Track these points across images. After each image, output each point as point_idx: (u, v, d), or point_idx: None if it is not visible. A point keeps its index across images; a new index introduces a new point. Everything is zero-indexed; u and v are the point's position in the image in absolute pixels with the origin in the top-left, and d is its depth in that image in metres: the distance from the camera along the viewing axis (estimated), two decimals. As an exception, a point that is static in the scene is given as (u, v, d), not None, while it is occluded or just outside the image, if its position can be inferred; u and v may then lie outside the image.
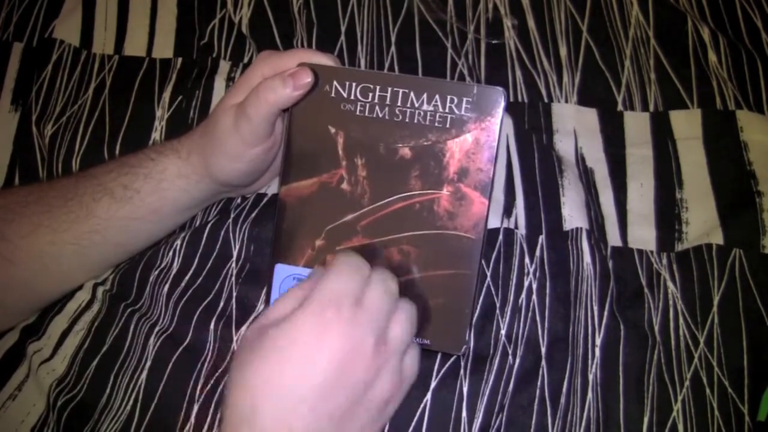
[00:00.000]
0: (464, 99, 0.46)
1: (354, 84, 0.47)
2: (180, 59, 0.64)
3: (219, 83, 0.62)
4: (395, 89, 0.47)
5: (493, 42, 0.63)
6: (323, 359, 0.39)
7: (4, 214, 0.51)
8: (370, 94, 0.47)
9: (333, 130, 0.48)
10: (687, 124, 0.59)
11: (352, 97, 0.47)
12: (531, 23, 0.63)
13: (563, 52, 0.62)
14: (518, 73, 0.61)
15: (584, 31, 0.63)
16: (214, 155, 0.50)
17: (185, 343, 0.50)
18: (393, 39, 0.63)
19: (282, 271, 0.49)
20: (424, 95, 0.46)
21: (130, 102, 0.62)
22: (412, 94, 0.46)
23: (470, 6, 0.65)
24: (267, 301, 0.49)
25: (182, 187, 0.51)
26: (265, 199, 0.55)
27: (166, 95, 0.62)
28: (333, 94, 0.47)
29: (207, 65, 0.63)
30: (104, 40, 0.66)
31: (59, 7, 0.68)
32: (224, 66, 0.63)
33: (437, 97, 0.46)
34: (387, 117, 0.47)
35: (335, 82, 0.47)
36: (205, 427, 0.48)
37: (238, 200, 0.56)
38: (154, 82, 0.63)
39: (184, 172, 0.51)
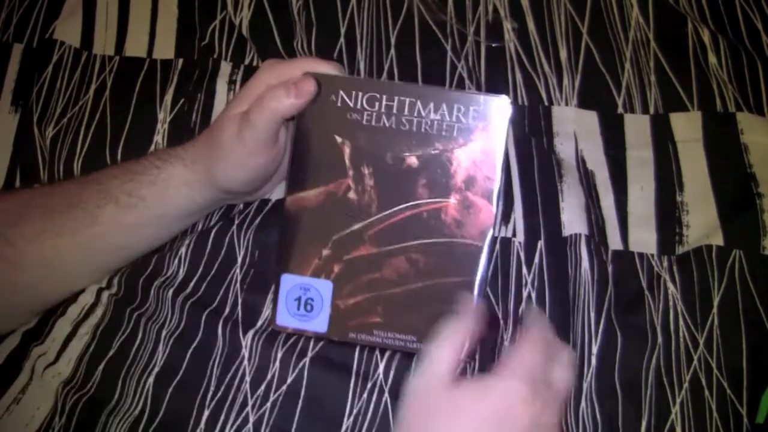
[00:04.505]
0: (471, 108, 0.47)
1: (360, 93, 0.47)
2: (181, 60, 0.64)
3: (221, 86, 0.62)
4: (402, 98, 0.47)
5: (493, 45, 0.63)
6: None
7: (8, 218, 0.51)
8: (377, 104, 0.47)
9: (339, 140, 0.48)
10: (687, 127, 0.59)
11: (359, 107, 0.47)
12: (531, 26, 0.63)
13: (563, 54, 0.62)
14: (518, 75, 0.62)
15: (584, 34, 0.63)
16: (217, 163, 0.50)
17: (194, 345, 0.50)
18: (393, 41, 0.63)
19: (288, 281, 0.49)
20: (431, 104, 0.47)
21: (132, 104, 0.62)
22: (418, 103, 0.47)
23: (470, 8, 0.65)
24: (273, 311, 0.49)
25: (187, 195, 0.52)
26: (269, 204, 0.55)
27: (168, 97, 0.62)
28: (339, 104, 0.47)
29: (208, 66, 0.63)
30: (105, 41, 0.66)
31: (60, 8, 0.67)
32: (225, 67, 0.63)
33: (444, 106, 0.47)
34: (394, 126, 0.47)
35: (341, 92, 0.47)
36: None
37: (241, 206, 0.56)
38: (155, 84, 0.63)
39: (189, 179, 0.51)
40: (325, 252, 0.48)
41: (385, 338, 0.49)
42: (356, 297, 0.48)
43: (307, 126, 0.48)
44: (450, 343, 0.43)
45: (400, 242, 0.48)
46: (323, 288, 0.49)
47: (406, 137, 0.47)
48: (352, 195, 0.48)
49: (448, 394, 0.41)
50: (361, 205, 0.48)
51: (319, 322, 0.49)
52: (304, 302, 0.49)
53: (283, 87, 0.47)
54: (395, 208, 0.48)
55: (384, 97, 0.47)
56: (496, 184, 0.47)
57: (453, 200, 0.48)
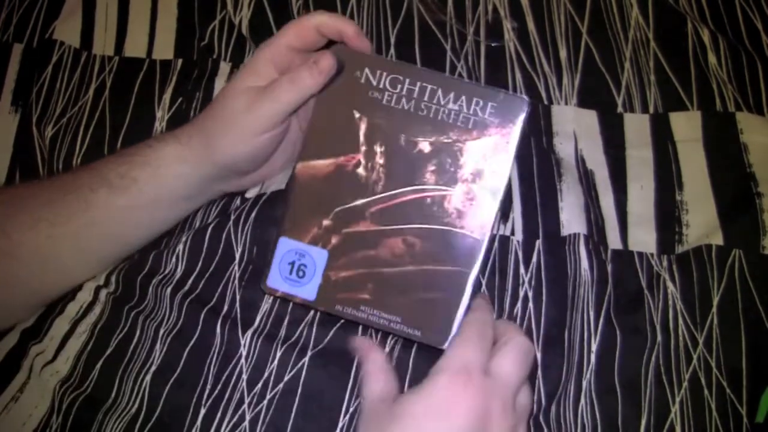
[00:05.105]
0: (489, 103, 0.48)
1: (385, 74, 0.48)
2: (180, 60, 0.64)
3: (219, 85, 0.62)
4: (424, 84, 0.48)
5: (493, 44, 0.63)
6: (455, 428, 0.41)
7: (5, 209, 0.51)
8: (399, 86, 0.48)
9: (357, 115, 0.49)
10: (687, 126, 0.59)
11: (381, 86, 0.48)
12: (531, 25, 0.63)
13: (563, 54, 0.62)
14: (518, 75, 0.61)
15: (584, 33, 0.63)
16: (221, 136, 0.50)
17: (192, 343, 0.50)
18: (392, 41, 0.63)
19: (285, 245, 0.50)
20: (451, 94, 0.48)
21: (131, 103, 0.62)
22: (439, 91, 0.48)
23: (470, 8, 0.65)
24: (266, 272, 0.50)
25: (180, 172, 0.51)
26: (265, 197, 0.55)
27: (167, 97, 0.62)
28: (362, 81, 0.49)
29: (207, 67, 0.63)
30: (104, 41, 0.66)
31: (59, 8, 0.68)
32: (224, 67, 0.63)
33: (463, 97, 0.48)
34: (412, 110, 0.48)
35: (366, 70, 0.49)
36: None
37: (238, 202, 0.56)
38: (154, 84, 0.63)
39: (183, 155, 0.51)
40: (326, 222, 0.49)
41: (371, 315, 0.49)
42: (349, 271, 0.49)
43: (328, 97, 0.49)
44: (372, 376, 0.46)
45: (399, 223, 0.49)
46: (318, 256, 0.49)
47: (422, 122, 0.48)
48: (361, 171, 0.49)
49: (387, 410, 0.43)
50: (368, 182, 0.49)
51: (308, 290, 0.50)
52: (297, 267, 0.50)
53: (305, 67, 0.48)
54: (400, 190, 0.49)
55: (407, 80, 0.48)
56: (503, 181, 0.48)
57: (458, 190, 0.48)
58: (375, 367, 0.47)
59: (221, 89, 0.52)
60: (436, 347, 0.49)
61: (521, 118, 0.48)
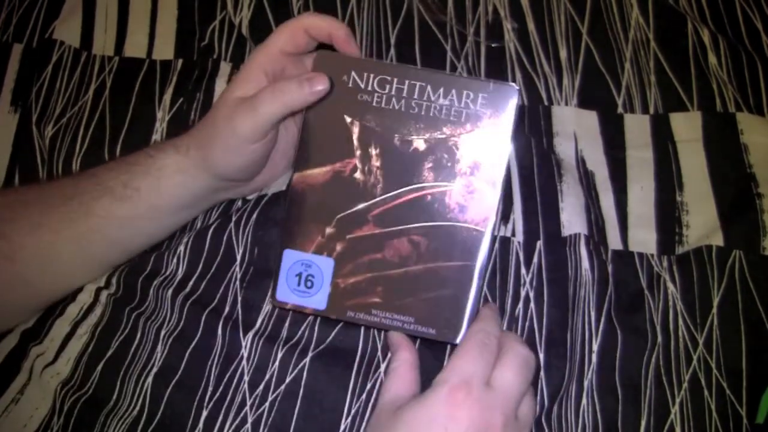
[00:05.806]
0: (480, 95, 0.48)
1: (372, 75, 0.48)
2: (180, 61, 0.64)
3: (220, 85, 0.62)
4: (412, 82, 0.48)
5: (493, 45, 0.63)
6: None
7: (5, 213, 0.51)
8: (387, 86, 0.48)
9: (348, 120, 0.49)
10: (687, 127, 0.59)
11: (369, 88, 0.48)
12: (531, 26, 0.63)
13: (563, 54, 0.62)
14: (518, 75, 0.61)
15: (584, 34, 0.63)
16: (213, 147, 0.50)
17: (193, 344, 0.50)
18: (393, 41, 0.63)
19: (290, 257, 0.50)
20: (441, 89, 0.48)
21: (131, 103, 0.62)
22: (428, 87, 0.48)
23: (470, 8, 0.65)
24: (274, 286, 0.50)
25: (181, 183, 0.51)
26: (266, 199, 0.55)
27: (167, 97, 0.62)
28: (350, 84, 0.48)
29: (207, 67, 0.63)
30: (104, 41, 0.66)
31: (59, 8, 0.67)
32: (225, 67, 0.63)
33: (453, 91, 0.48)
34: (403, 109, 0.48)
35: (353, 73, 0.48)
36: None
37: (239, 203, 0.56)
38: (154, 84, 0.63)
39: (183, 166, 0.51)
40: (329, 230, 0.49)
41: (384, 318, 0.49)
42: (357, 276, 0.49)
43: (317, 105, 0.49)
44: (395, 374, 0.46)
45: (403, 224, 0.49)
46: (324, 265, 0.49)
47: (414, 120, 0.48)
48: (358, 175, 0.49)
49: (389, 417, 0.43)
50: (366, 186, 0.49)
51: (318, 299, 0.49)
52: (304, 278, 0.49)
53: (296, 81, 0.47)
54: (400, 190, 0.49)
55: (395, 80, 0.48)
56: (502, 171, 0.48)
57: (457, 185, 0.48)
58: (399, 365, 0.47)
59: (219, 96, 0.52)
60: (451, 343, 0.50)
61: (512, 105, 0.48)
